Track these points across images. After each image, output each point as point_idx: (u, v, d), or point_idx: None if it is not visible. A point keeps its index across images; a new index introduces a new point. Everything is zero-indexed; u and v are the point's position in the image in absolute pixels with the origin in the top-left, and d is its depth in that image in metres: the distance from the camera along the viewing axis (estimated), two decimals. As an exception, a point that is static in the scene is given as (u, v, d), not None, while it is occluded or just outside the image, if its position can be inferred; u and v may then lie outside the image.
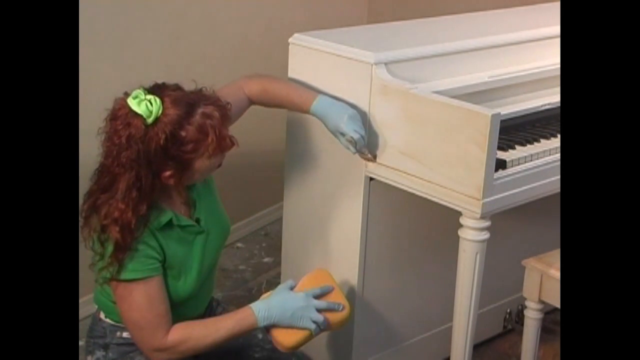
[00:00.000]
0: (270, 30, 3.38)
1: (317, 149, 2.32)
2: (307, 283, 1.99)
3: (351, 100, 2.17)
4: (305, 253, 2.47)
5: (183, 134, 1.78)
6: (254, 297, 2.96)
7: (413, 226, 2.38)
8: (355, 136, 2.05)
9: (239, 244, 3.48)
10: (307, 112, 2.13)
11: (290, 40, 2.31)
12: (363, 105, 2.14)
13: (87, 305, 2.73)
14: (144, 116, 1.75)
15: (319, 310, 1.93)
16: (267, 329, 1.94)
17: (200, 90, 1.86)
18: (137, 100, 1.76)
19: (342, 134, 2.07)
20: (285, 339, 1.94)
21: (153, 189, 1.81)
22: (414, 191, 2.09)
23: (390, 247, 2.36)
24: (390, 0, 3.90)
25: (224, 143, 1.83)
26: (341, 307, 1.97)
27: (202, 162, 1.83)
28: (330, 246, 2.36)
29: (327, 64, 2.22)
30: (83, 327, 2.22)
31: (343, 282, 2.34)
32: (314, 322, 1.92)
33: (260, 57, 3.33)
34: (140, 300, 1.83)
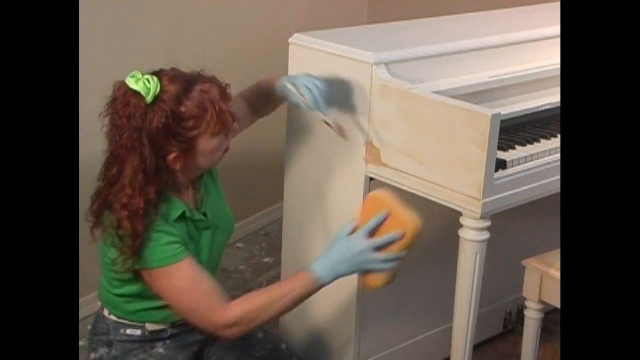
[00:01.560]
0: (270, 30, 3.38)
1: (317, 149, 2.32)
2: (363, 218, 1.83)
3: (351, 100, 2.17)
4: (305, 253, 2.46)
5: (182, 109, 1.78)
6: (254, 297, 2.96)
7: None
8: (303, 90, 2.02)
9: (239, 244, 3.48)
10: (274, 87, 2.12)
11: (290, 40, 2.31)
12: (363, 105, 2.14)
13: (87, 305, 2.74)
14: (142, 93, 1.76)
15: (381, 248, 1.81)
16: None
17: (199, 72, 1.87)
18: (134, 78, 1.78)
19: (294, 85, 2.05)
20: (376, 281, 1.86)
21: (159, 172, 1.81)
22: (414, 191, 2.09)
23: (390, 247, 2.35)
24: (390, 0, 3.90)
25: (224, 117, 1.83)
26: (399, 235, 1.78)
27: (205, 142, 1.83)
28: (330, 246, 2.36)
29: (327, 64, 2.22)
30: (83, 327, 2.22)
31: (342, 281, 2.34)
32: (383, 261, 1.81)
33: (260, 57, 3.33)
34: (182, 284, 1.82)
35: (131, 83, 1.77)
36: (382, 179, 2.15)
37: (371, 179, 2.21)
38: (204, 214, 1.95)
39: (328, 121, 2.07)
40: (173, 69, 1.85)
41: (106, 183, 1.83)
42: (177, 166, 1.83)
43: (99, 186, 1.85)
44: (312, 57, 2.26)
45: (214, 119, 1.80)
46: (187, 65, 2.02)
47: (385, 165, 2.13)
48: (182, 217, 1.87)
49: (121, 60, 2.81)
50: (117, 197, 1.79)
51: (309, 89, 2.05)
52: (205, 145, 1.83)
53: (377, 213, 1.82)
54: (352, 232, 1.85)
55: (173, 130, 1.78)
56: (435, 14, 2.79)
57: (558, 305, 2.18)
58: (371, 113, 2.13)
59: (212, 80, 1.85)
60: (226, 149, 1.90)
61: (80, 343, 2.62)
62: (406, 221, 1.79)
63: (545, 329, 2.42)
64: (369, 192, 2.19)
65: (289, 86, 2.08)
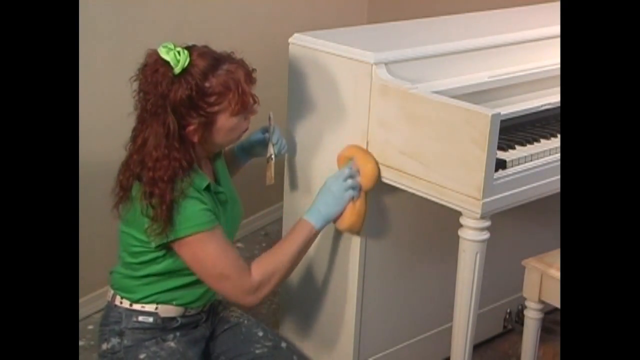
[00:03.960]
0: (270, 30, 3.38)
1: (317, 149, 2.32)
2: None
3: (351, 100, 2.18)
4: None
5: (207, 85, 1.88)
6: (254, 297, 2.96)
7: (413, 226, 2.38)
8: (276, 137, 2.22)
9: (239, 244, 3.48)
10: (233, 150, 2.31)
11: (290, 40, 2.31)
12: (363, 105, 2.14)
13: (87, 305, 2.74)
14: (172, 64, 1.84)
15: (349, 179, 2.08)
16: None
17: (230, 53, 1.97)
18: (166, 49, 1.86)
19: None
20: (342, 223, 2.14)
21: (181, 140, 1.88)
22: (414, 191, 2.09)
23: (390, 247, 2.35)
24: (390, 0, 3.90)
25: (245, 99, 1.92)
26: (357, 166, 2.10)
27: (225, 120, 1.92)
28: (330, 246, 2.36)
29: (327, 64, 2.22)
30: (83, 327, 2.23)
31: (343, 281, 2.34)
32: (349, 188, 2.07)
33: (261, 57, 3.32)
34: (215, 250, 1.91)
35: (162, 53, 1.86)
36: (382, 179, 2.15)
37: (371, 179, 2.21)
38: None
39: (271, 162, 2.22)
40: (205, 46, 1.94)
41: (133, 151, 1.90)
42: (195, 138, 1.91)
43: (127, 158, 1.93)
44: (312, 57, 2.26)
45: (236, 98, 1.90)
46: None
47: (385, 165, 2.12)
48: (207, 188, 1.95)
49: (121, 60, 2.80)
50: (145, 164, 1.86)
51: (280, 141, 2.25)
52: (224, 122, 1.92)
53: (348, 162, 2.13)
54: None
55: (195, 103, 1.87)
56: (435, 14, 2.79)
57: (558, 305, 2.18)
58: (371, 113, 2.13)
59: (240, 62, 1.95)
60: (245, 129, 2.00)
61: (81, 343, 2.62)
62: (365, 162, 2.12)
63: (545, 329, 2.42)
64: (368, 192, 2.19)
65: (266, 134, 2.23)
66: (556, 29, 2.43)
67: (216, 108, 1.89)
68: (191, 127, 1.89)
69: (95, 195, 2.65)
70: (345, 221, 2.13)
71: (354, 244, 2.28)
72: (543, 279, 2.24)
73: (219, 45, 3.17)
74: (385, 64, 2.12)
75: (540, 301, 2.27)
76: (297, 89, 2.32)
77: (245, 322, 2.18)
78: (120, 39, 2.79)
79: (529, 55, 2.43)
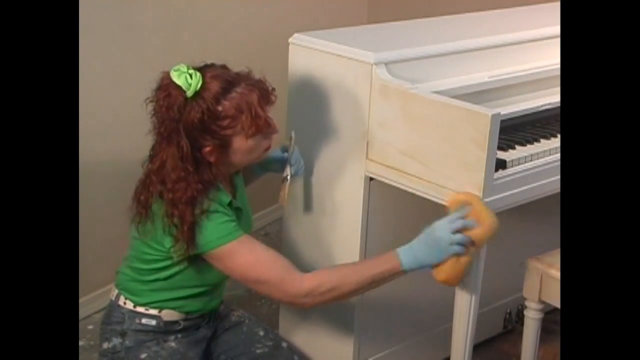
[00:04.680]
0: (270, 30, 3.38)
1: (317, 148, 2.32)
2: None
3: (351, 100, 2.17)
4: (305, 253, 2.46)
5: (220, 108, 1.84)
6: (254, 296, 2.96)
7: (413, 226, 2.37)
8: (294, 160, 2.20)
9: (239, 244, 3.48)
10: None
11: (290, 40, 2.31)
12: (363, 105, 2.14)
13: (87, 305, 2.74)
14: (183, 88, 1.82)
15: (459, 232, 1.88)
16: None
17: (248, 73, 1.92)
18: (177, 72, 1.83)
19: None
20: (440, 274, 1.94)
21: (198, 162, 1.87)
22: (414, 191, 2.09)
23: (390, 247, 2.35)
24: (390, 0, 3.90)
25: (259, 122, 1.88)
26: (475, 223, 1.88)
27: (241, 142, 1.89)
28: (330, 246, 2.36)
29: (327, 64, 2.22)
30: (83, 327, 2.23)
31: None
32: (456, 244, 1.87)
33: (261, 57, 3.32)
34: (246, 259, 1.90)
35: (174, 76, 1.83)
36: (382, 179, 2.15)
37: (371, 179, 2.21)
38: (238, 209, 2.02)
39: (287, 183, 2.19)
40: (222, 66, 1.91)
41: (152, 172, 1.89)
42: (212, 159, 1.89)
43: (145, 177, 1.91)
44: (312, 57, 2.26)
45: (249, 121, 1.86)
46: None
47: (385, 165, 2.12)
48: (230, 204, 1.94)
49: (121, 61, 2.81)
50: (165, 185, 1.85)
51: (298, 162, 2.23)
52: (239, 144, 1.89)
53: (461, 208, 1.91)
54: None
55: (208, 126, 1.85)
56: (435, 14, 2.79)
57: (558, 305, 2.18)
58: (371, 113, 2.13)
59: (257, 83, 1.90)
60: (266, 148, 1.97)
61: (81, 343, 2.62)
62: (485, 216, 1.89)
63: (545, 329, 2.42)
64: (369, 192, 2.19)
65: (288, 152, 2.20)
66: (556, 29, 2.43)
67: (230, 131, 1.86)
68: (207, 149, 1.87)
69: (96, 196, 2.66)
70: (443, 274, 1.93)
71: (354, 244, 2.28)
72: (543, 279, 2.23)
73: (219, 45, 3.18)
74: (386, 64, 2.12)
75: (540, 301, 2.27)
76: (297, 89, 2.32)
77: (247, 321, 2.18)
78: (120, 40, 2.79)
79: (529, 55, 2.43)
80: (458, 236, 1.86)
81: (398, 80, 2.09)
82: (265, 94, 1.90)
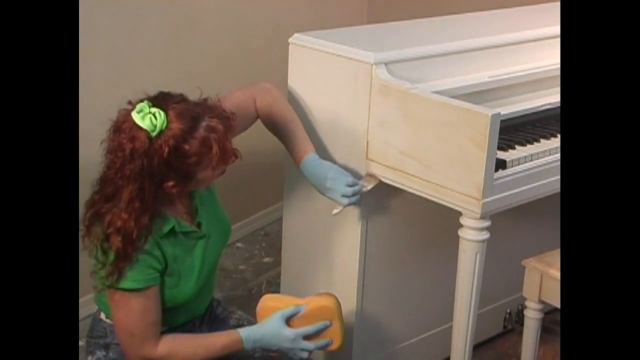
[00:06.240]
0: (270, 30, 3.38)
1: (317, 148, 2.31)
2: (305, 319, 1.95)
3: (351, 100, 2.17)
4: (305, 253, 2.47)
5: (187, 147, 1.77)
6: (254, 297, 2.96)
7: (413, 226, 2.38)
8: (344, 202, 2.07)
9: (239, 244, 3.48)
10: (298, 167, 2.15)
11: (290, 40, 2.31)
12: (363, 105, 2.14)
13: (87, 305, 2.74)
14: (149, 130, 1.74)
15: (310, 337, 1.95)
16: None
17: (205, 100, 1.85)
18: (141, 114, 1.75)
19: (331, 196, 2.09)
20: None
21: (156, 200, 1.81)
22: (413, 191, 2.09)
23: (390, 247, 2.35)
24: (390, 0, 3.90)
25: (227, 156, 1.83)
26: (329, 343, 1.97)
27: (205, 173, 1.83)
28: (330, 246, 2.36)
29: (327, 64, 2.22)
30: (83, 327, 2.22)
31: (343, 281, 2.34)
32: (304, 351, 1.95)
33: (261, 57, 3.33)
34: (136, 308, 1.84)
35: (138, 119, 1.74)
36: (382, 179, 2.15)
37: (371, 179, 2.21)
38: (199, 224, 1.95)
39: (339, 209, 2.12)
40: (181, 97, 1.82)
41: (101, 197, 1.82)
42: (174, 191, 1.83)
43: (94, 196, 1.85)
44: (312, 57, 2.26)
45: (218, 156, 1.80)
46: (187, 66, 2.03)
47: (385, 165, 2.12)
48: (172, 231, 1.87)
49: (121, 61, 2.81)
50: (112, 216, 1.78)
51: (344, 204, 2.09)
52: (203, 175, 1.84)
53: (320, 321, 1.95)
54: (291, 317, 1.95)
55: (174, 165, 1.78)
56: (435, 14, 2.79)
57: (558, 305, 2.18)
58: (371, 113, 2.13)
59: (219, 115, 1.82)
60: (222, 172, 1.89)
61: (81, 343, 2.62)
62: (337, 337, 1.97)
63: (545, 329, 2.42)
64: (369, 192, 2.18)
65: (329, 184, 2.08)
66: (556, 29, 2.43)
67: (196, 168, 1.80)
68: (170, 184, 1.80)
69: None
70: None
71: (354, 244, 2.28)
72: (543, 279, 2.24)
73: (219, 45, 3.18)
74: (385, 64, 2.12)
75: (540, 301, 2.27)
76: (297, 89, 2.32)
77: (245, 323, 2.17)
78: (120, 41, 2.79)
79: (529, 55, 2.43)
80: (305, 344, 1.94)
81: (398, 80, 2.09)
82: (228, 124, 1.83)
